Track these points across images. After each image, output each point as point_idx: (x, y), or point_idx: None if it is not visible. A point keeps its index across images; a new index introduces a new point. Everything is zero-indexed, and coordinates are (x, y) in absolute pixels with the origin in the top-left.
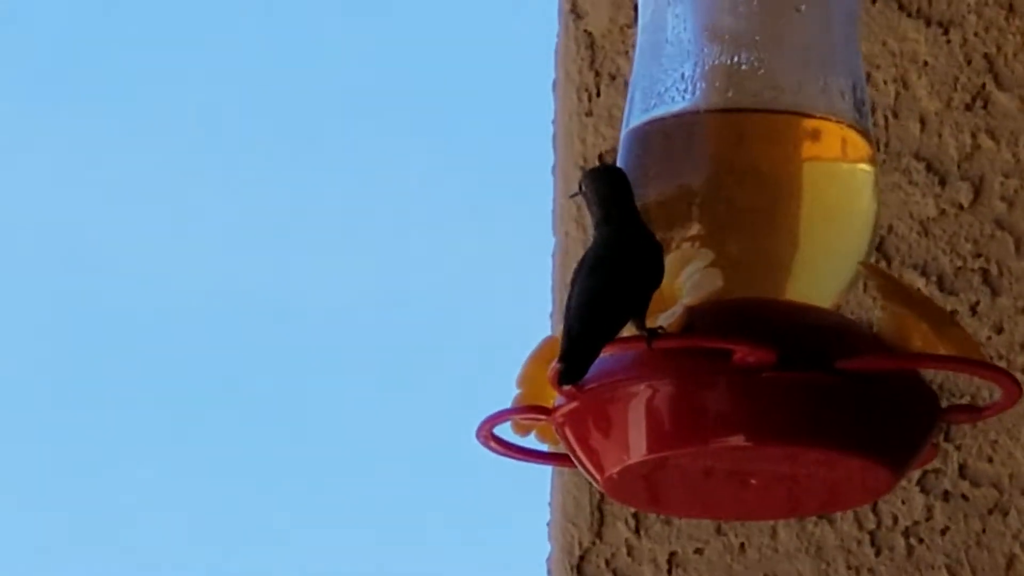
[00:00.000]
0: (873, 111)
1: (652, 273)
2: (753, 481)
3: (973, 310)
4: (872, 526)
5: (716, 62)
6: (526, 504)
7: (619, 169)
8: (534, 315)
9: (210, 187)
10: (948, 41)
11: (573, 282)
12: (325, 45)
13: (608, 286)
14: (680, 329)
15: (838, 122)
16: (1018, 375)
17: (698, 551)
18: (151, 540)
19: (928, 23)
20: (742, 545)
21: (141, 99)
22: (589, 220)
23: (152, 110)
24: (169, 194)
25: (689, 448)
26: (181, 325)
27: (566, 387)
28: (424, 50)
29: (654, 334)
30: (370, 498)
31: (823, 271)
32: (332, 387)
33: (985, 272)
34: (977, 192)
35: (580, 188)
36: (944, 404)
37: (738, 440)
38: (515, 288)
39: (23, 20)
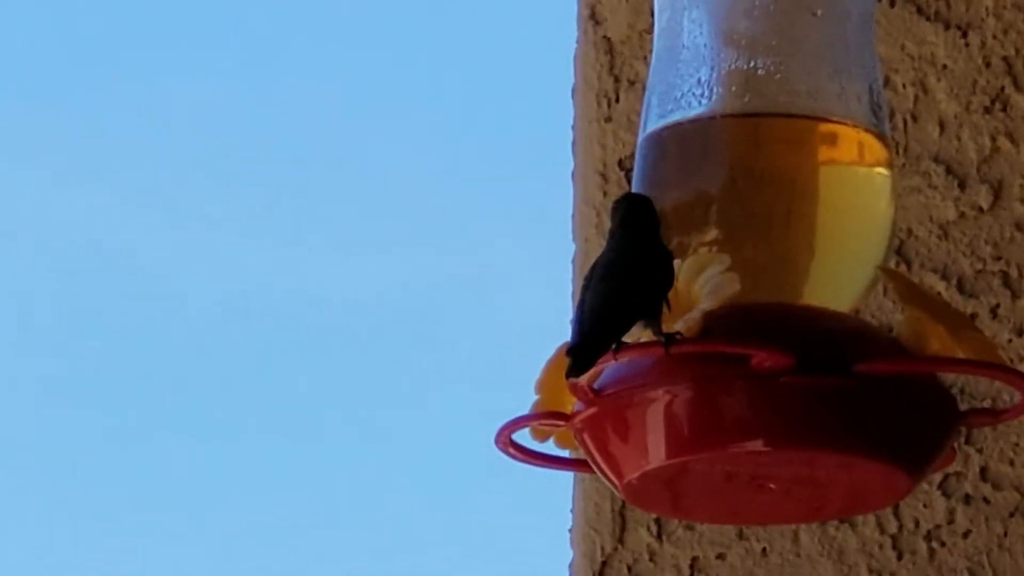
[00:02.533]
0: (892, 115)
1: (663, 277)
2: (773, 486)
3: (993, 313)
4: (894, 530)
5: (732, 67)
6: (548, 510)
7: (642, 199)
8: (553, 321)
9: (216, 188)
10: (967, 44)
11: (584, 288)
12: (342, 48)
13: (619, 289)
14: (698, 334)
15: (855, 126)
16: None
17: (720, 556)
18: (154, 536)
19: (947, 26)
20: (764, 550)
21: (146, 99)
22: (608, 226)
23: (157, 111)
24: (176, 195)
25: (707, 453)
26: (190, 324)
27: (585, 392)
28: (444, 55)
29: (672, 339)
30: (390, 504)
31: (840, 275)
32: (349, 388)
33: (1005, 275)
34: (996, 195)
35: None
36: (964, 407)
37: (756, 445)
38: (534, 294)
39: (29, 21)
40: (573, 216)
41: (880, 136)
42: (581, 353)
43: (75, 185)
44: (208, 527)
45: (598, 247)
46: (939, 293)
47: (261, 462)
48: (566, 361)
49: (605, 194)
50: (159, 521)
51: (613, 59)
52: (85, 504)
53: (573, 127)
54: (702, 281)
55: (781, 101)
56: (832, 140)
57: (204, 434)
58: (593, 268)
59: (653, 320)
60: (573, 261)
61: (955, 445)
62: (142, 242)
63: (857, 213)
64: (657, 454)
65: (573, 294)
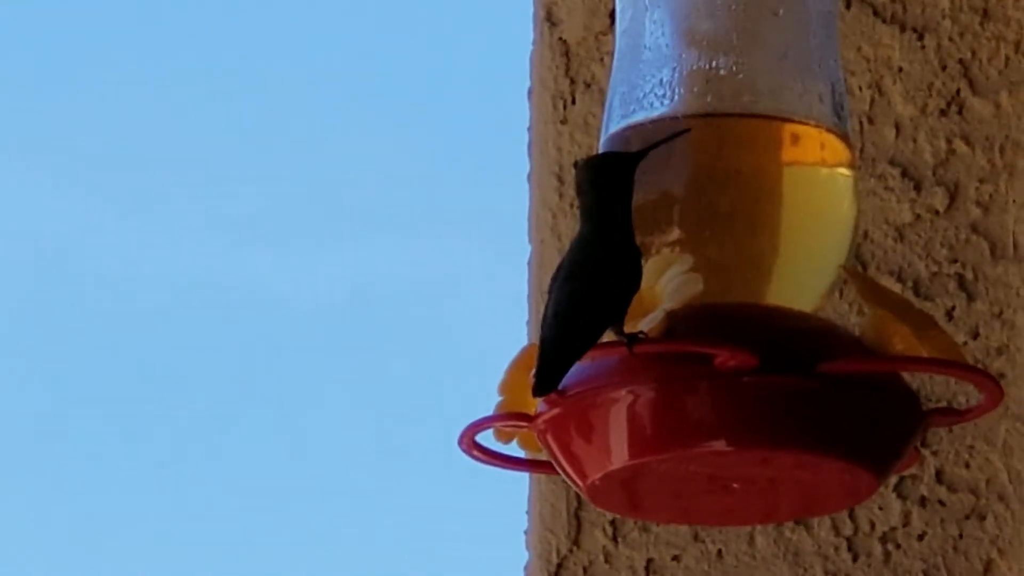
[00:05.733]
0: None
1: (630, 279)
2: (735, 485)
3: (949, 315)
4: (849, 532)
5: (694, 67)
6: (504, 512)
7: (614, 158)
8: (510, 323)
9: (181, 186)
10: (923, 47)
11: (551, 289)
12: (297, 46)
13: (585, 293)
14: (661, 334)
15: (817, 126)
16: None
17: (675, 558)
18: (136, 544)
19: (903, 29)
20: (719, 551)
21: (98, 95)
22: (565, 228)
23: (109, 106)
24: (140, 194)
25: (672, 453)
26: (156, 325)
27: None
28: (399, 55)
29: (635, 339)
30: (342, 506)
31: (804, 275)
32: (303, 392)
33: (961, 277)
34: (952, 197)
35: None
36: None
37: (720, 445)
38: (491, 296)
39: None
40: (529, 218)
41: (843, 136)
42: (545, 373)
43: (24, 179)
44: (162, 529)
45: (554, 249)
46: (900, 293)
47: (209, 459)
48: (532, 376)
49: (561, 196)
50: (128, 523)
51: (569, 61)
52: (39, 501)
53: (529, 129)
54: (665, 281)
55: (743, 101)
56: (795, 140)
57: (158, 434)
58: (560, 267)
59: (617, 320)
60: (529, 263)
61: (918, 445)
62: (94, 239)
63: (820, 213)
64: (621, 454)
65: (529, 296)
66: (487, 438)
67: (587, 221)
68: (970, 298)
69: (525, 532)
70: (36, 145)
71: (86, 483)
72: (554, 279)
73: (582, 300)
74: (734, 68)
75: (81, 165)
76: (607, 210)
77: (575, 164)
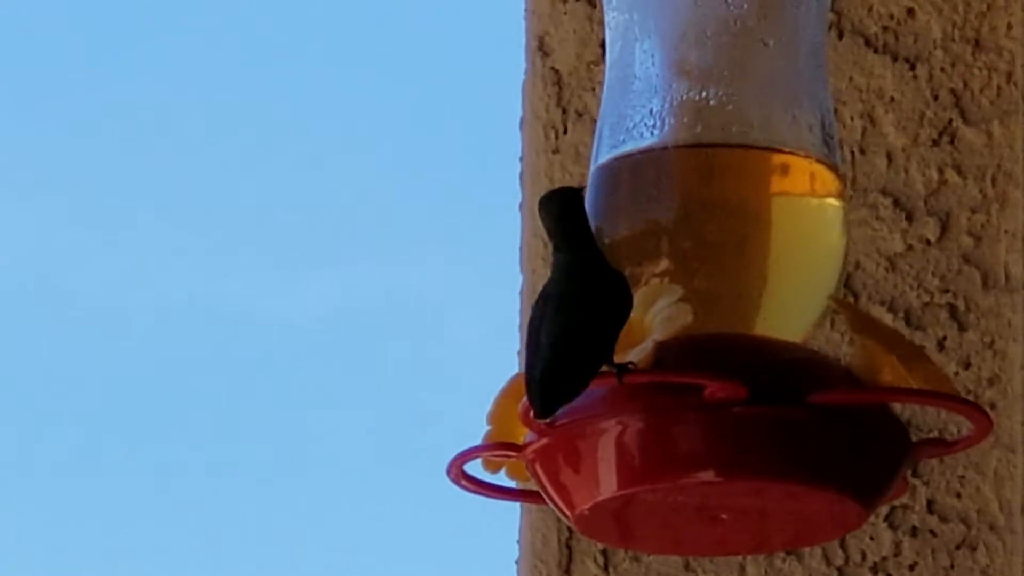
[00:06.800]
0: (840, 147)
1: (620, 308)
2: (724, 516)
3: (940, 345)
4: (840, 562)
5: (684, 97)
6: (495, 541)
7: (571, 190)
8: (501, 352)
9: (164, 210)
10: (915, 77)
11: (538, 317)
12: (289, 72)
13: (580, 324)
14: (650, 364)
15: (807, 156)
16: (986, 410)
17: None
18: (133, 555)
19: (895, 59)
20: None
21: (72, 115)
22: None
23: (86, 127)
24: (124, 218)
25: (660, 484)
26: (141, 348)
27: (536, 423)
28: (391, 85)
29: (624, 369)
30: (333, 533)
31: (792, 305)
32: (292, 413)
33: (952, 307)
34: (944, 227)
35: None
36: (912, 439)
37: (709, 475)
38: (482, 325)
39: None
40: (521, 248)
41: (832, 167)
42: (546, 398)
43: (6, 206)
44: (158, 543)
45: (546, 279)
46: (889, 324)
47: (200, 476)
48: (523, 398)
49: None
50: (117, 537)
51: (561, 91)
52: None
53: (521, 159)
54: (654, 311)
55: (733, 132)
56: (784, 171)
57: (149, 452)
58: (546, 298)
59: (607, 350)
60: (521, 292)
61: (907, 476)
62: (78, 264)
63: (809, 243)
64: (609, 485)
65: (520, 326)
66: (476, 467)
67: (564, 251)
68: (961, 328)
69: (516, 561)
70: (18, 170)
71: (84, 502)
72: (540, 307)
73: (579, 331)
74: (724, 98)
75: (64, 189)
76: (579, 238)
77: (539, 203)
